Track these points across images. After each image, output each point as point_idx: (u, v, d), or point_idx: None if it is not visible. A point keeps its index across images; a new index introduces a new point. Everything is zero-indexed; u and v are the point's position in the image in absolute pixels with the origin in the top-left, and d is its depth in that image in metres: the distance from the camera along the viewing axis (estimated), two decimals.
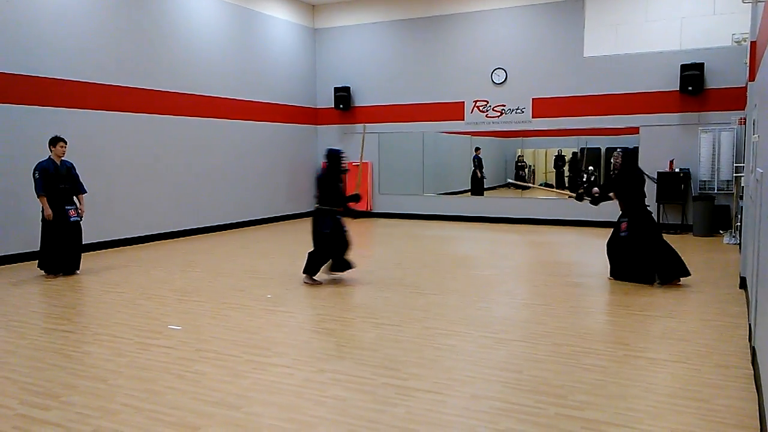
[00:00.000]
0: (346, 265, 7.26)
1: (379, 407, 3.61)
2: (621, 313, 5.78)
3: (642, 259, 6.89)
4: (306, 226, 12.29)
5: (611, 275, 7.26)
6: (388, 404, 3.65)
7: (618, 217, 7.27)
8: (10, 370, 4.30)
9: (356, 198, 7.34)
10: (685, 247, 9.96)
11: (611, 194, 7.23)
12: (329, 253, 7.13)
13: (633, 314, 5.70)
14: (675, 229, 11.67)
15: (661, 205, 11.76)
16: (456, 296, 6.49)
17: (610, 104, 12.30)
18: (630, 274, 7.02)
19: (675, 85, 11.62)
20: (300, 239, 11.22)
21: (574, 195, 7.76)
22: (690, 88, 11.32)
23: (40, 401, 3.75)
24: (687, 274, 6.85)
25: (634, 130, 12.16)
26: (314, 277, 7.12)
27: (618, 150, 7.28)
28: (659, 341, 4.90)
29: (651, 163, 11.88)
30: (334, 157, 7.18)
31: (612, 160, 7.29)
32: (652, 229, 6.96)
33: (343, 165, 7.19)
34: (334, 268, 7.27)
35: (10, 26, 8.45)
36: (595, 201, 7.49)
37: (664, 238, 7.04)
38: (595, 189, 7.49)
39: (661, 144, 11.88)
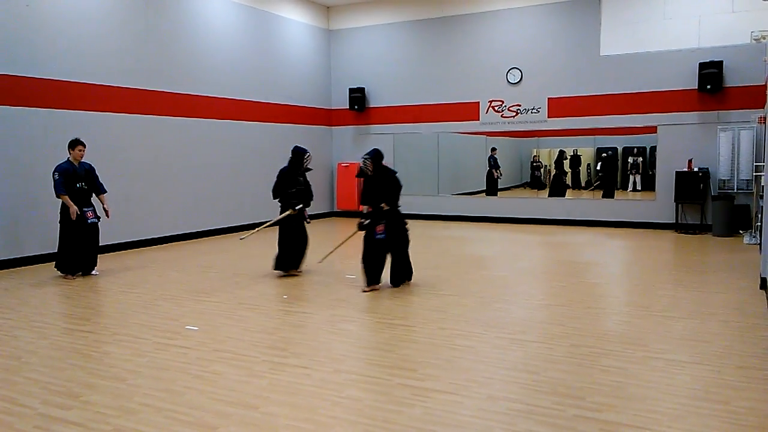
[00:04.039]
0: (292, 264, 7.56)
1: (396, 408, 3.61)
2: (639, 314, 5.72)
3: (400, 261, 6.79)
4: (320, 227, 12.32)
5: (369, 285, 6.70)
6: (404, 405, 3.65)
7: (366, 221, 6.72)
8: (32, 370, 4.36)
9: (302, 203, 7.60)
10: (705, 247, 9.85)
11: (383, 204, 6.67)
12: (282, 250, 7.54)
13: (652, 315, 5.64)
14: (694, 229, 11.53)
15: (680, 205, 11.63)
16: (472, 297, 6.47)
17: (627, 103, 12.19)
18: (400, 274, 6.83)
19: (693, 84, 11.49)
20: (314, 240, 11.25)
21: (359, 228, 6.88)
22: (708, 86, 11.18)
23: (61, 401, 3.79)
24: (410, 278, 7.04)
25: (652, 130, 12.05)
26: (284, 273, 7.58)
27: (365, 154, 6.73)
28: (679, 342, 4.84)
29: (669, 162, 11.77)
30: (297, 154, 7.51)
31: (362, 166, 6.72)
32: (404, 231, 6.86)
33: (307, 164, 7.57)
34: (277, 266, 7.59)
35: (29, 31, 8.56)
36: (374, 219, 6.73)
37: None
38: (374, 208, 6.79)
39: (680, 143, 11.74)
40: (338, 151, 15.26)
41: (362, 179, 6.93)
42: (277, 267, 7.60)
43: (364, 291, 6.70)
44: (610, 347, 4.70)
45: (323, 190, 15.04)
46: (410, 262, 7.00)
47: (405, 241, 6.89)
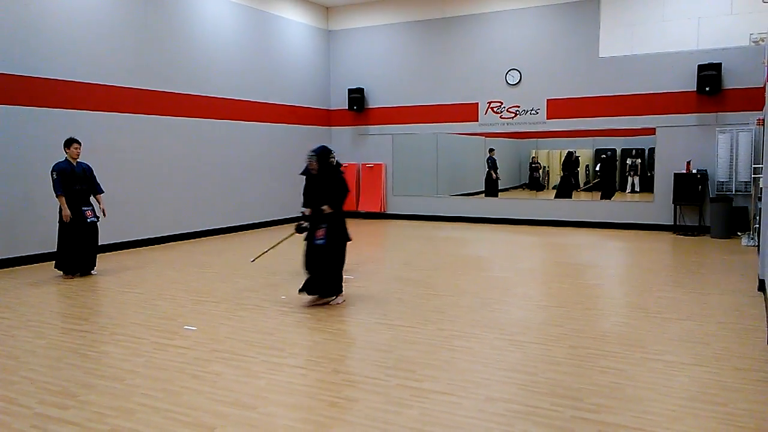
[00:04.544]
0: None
1: (393, 408, 3.60)
2: (638, 315, 5.72)
3: (334, 269, 6.14)
4: None
5: (304, 289, 6.16)
6: (402, 405, 3.64)
7: (305, 224, 6.29)
8: (29, 370, 4.35)
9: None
10: (703, 249, 9.86)
11: (325, 207, 6.09)
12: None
13: (650, 317, 5.64)
14: (692, 230, 11.55)
15: (678, 207, 11.65)
16: (470, 298, 6.47)
17: (626, 105, 12.20)
18: (320, 286, 6.12)
19: (692, 86, 11.50)
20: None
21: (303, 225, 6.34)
22: (707, 88, 11.20)
23: (58, 400, 3.78)
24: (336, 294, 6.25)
25: (651, 131, 12.06)
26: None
27: (311, 151, 6.11)
28: (677, 344, 4.84)
29: (668, 164, 11.78)
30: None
31: (307, 164, 6.14)
32: (344, 238, 6.24)
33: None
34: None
35: (24, 30, 8.56)
36: (312, 222, 6.21)
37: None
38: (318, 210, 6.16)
39: (678, 145, 11.76)
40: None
41: (305, 177, 6.29)
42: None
43: (300, 295, 6.26)
44: (608, 348, 4.70)
45: None
46: (341, 276, 6.27)
47: (341, 251, 6.22)
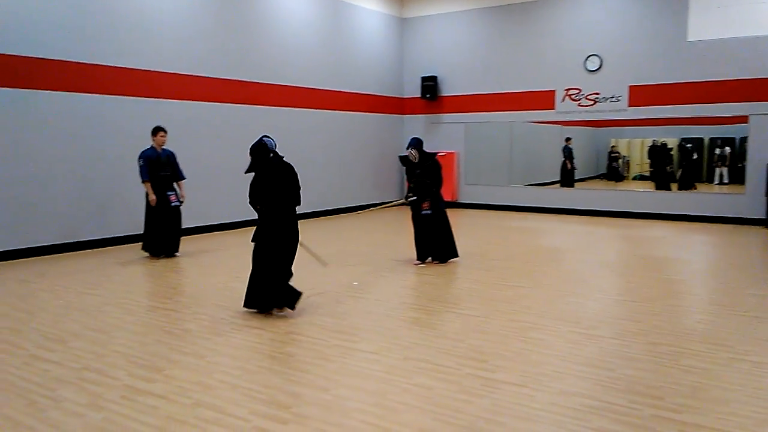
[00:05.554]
0: (429, 253, 7.62)
1: (465, 397, 3.59)
2: (724, 313, 5.43)
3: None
4: (391, 215, 12.37)
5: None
6: (473, 395, 3.63)
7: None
8: (119, 344, 4.63)
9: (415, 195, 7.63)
10: None
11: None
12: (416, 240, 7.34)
13: (737, 315, 5.34)
14: None
15: None
16: (544, 289, 6.34)
17: (715, 91, 11.53)
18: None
19: None
20: (381, 228, 11.33)
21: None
22: None
23: (145, 373, 4.01)
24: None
25: (743, 119, 11.35)
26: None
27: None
28: (766, 345, 4.57)
29: (762, 154, 11.07)
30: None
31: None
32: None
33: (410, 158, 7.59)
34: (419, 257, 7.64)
35: (114, 22, 9.01)
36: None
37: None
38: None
39: None
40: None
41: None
42: (418, 257, 7.66)
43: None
44: (691, 347, 4.49)
45: (394, 179, 15.10)
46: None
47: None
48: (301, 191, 5.62)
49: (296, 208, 5.53)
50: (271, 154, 5.54)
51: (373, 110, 14.28)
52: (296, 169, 5.67)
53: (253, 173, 5.53)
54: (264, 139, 5.59)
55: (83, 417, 3.38)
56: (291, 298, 5.35)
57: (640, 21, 12.22)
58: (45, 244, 8.35)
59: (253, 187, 5.52)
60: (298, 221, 5.54)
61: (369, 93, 14.13)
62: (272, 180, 5.43)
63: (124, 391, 3.73)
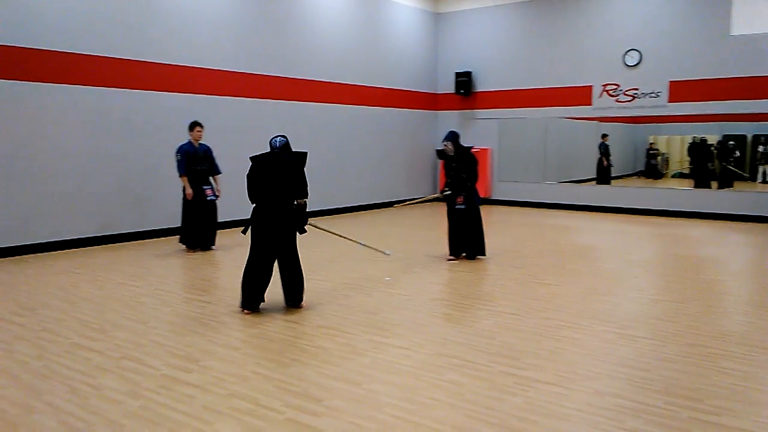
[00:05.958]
0: (463, 249, 7.67)
1: (497, 395, 3.58)
2: (764, 315, 5.29)
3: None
4: (424, 210, 12.35)
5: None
6: (506, 393, 3.61)
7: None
8: (157, 334, 4.74)
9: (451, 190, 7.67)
10: None
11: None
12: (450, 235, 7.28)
13: None
14: None
15: None
16: (578, 288, 6.26)
17: (760, 87, 11.18)
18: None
19: None
20: (414, 223, 11.32)
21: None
22: None
23: (182, 364, 4.10)
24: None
25: None
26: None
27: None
28: None
29: None
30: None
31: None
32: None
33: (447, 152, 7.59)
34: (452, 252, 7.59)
35: (156, 20, 9.20)
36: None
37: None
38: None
39: None
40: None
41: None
42: (451, 252, 7.70)
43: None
44: (730, 348, 4.39)
45: (427, 175, 15.07)
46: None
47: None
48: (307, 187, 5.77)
49: (296, 201, 5.84)
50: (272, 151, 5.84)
51: (407, 106, 14.27)
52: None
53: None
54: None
55: (122, 404, 3.48)
56: (249, 298, 5.31)
57: (682, 14, 11.92)
58: (85, 236, 8.59)
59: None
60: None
61: (403, 89, 14.12)
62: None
63: (162, 380, 3.82)
